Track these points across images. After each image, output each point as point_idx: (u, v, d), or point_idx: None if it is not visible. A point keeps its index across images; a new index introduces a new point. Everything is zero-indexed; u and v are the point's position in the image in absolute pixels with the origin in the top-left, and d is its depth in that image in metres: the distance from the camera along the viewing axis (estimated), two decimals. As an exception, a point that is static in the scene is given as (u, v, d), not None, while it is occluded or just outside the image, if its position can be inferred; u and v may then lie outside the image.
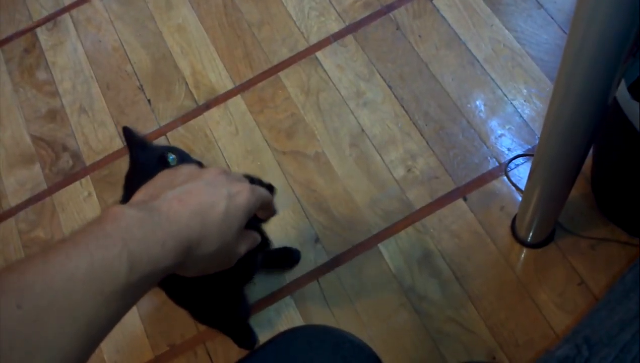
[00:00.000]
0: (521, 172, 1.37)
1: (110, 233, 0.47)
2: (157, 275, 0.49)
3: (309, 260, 1.35)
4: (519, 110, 1.43)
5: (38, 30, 1.80)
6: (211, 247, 0.54)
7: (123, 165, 1.54)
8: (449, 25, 1.56)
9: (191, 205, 0.53)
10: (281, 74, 1.58)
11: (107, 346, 1.35)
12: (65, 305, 0.42)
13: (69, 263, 0.44)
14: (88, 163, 1.58)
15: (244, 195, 0.58)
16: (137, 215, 0.49)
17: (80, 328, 0.42)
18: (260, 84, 1.58)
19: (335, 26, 1.62)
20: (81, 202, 1.53)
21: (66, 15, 1.80)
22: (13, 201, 1.57)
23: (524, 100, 1.44)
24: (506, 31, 1.52)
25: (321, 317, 1.30)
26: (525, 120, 1.42)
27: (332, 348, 0.69)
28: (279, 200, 1.39)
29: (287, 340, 0.71)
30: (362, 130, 1.47)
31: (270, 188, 0.77)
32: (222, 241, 0.55)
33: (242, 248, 0.61)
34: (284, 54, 1.61)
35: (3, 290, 0.41)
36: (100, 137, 1.60)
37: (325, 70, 1.56)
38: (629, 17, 0.62)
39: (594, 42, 0.66)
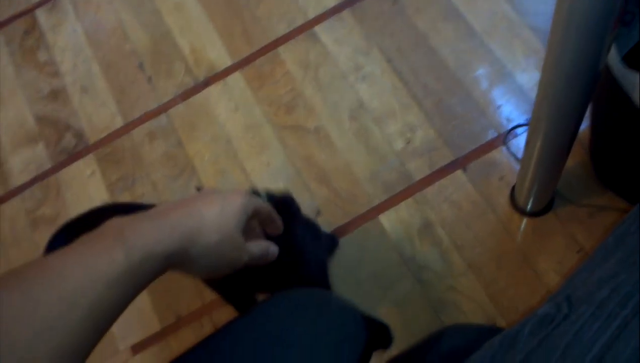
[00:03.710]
0: (520, 142, 1.38)
1: (104, 232, 0.50)
2: (159, 260, 0.51)
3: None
4: (518, 80, 1.44)
5: (37, 11, 1.81)
6: (213, 236, 0.56)
7: (126, 142, 1.56)
8: (447, -3, 1.56)
9: (187, 208, 0.57)
10: (280, 49, 1.59)
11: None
12: (65, 291, 0.44)
13: (65, 256, 0.46)
14: (91, 141, 1.59)
15: (237, 197, 0.61)
16: (131, 217, 0.53)
17: (83, 312, 0.44)
18: (259, 60, 1.59)
19: (332, 0, 1.62)
20: (85, 180, 1.55)
21: (65, -4, 1.81)
22: (19, 180, 1.59)
23: (523, 71, 1.44)
24: (504, 3, 1.52)
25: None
26: (524, 91, 1.42)
27: (319, 309, 0.71)
28: (281, 175, 1.41)
29: (278, 301, 0.73)
30: (361, 103, 1.48)
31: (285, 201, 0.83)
32: (221, 233, 0.57)
33: (253, 249, 0.63)
34: (282, 29, 1.61)
35: (7, 279, 0.43)
36: (102, 116, 1.62)
37: (323, 45, 1.57)
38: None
39: (583, 7, 0.67)
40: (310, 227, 1.06)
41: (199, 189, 0.85)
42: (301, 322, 0.69)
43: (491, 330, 0.99)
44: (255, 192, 0.84)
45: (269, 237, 0.71)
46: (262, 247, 0.66)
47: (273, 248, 0.68)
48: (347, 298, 0.75)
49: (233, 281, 1.08)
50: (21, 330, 0.40)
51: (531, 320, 0.53)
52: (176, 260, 0.53)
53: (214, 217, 0.57)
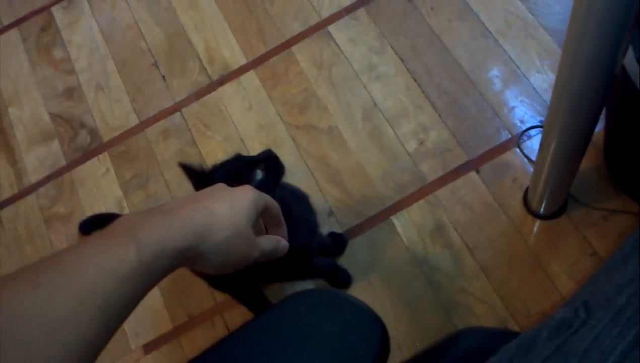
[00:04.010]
0: (534, 144, 1.37)
1: (115, 229, 0.50)
2: (170, 256, 0.51)
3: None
4: (532, 81, 1.43)
5: (53, 8, 1.82)
6: (223, 232, 0.56)
7: (140, 140, 1.57)
8: (462, -3, 1.55)
9: (196, 204, 0.57)
10: (294, 48, 1.59)
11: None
12: (78, 286, 0.44)
13: (77, 252, 0.47)
14: (105, 139, 1.60)
15: (248, 192, 0.61)
16: (142, 213, 0.53)
17: (96, 308, 0.44)
18: (273, 59, 1.59)
19: (347, 0, 1.62)
20: (99, 177, 1.56)
21: (81, -7, 1.82)
22: (34, 177, 1.60)
23: (537, 72, 1.44)
24: (519, 2, 1.52)
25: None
26: (537, 92, 1.42)
27: (334, 310, 0.71)
28: (293, 175, 1.41)
29: (292, 303, 0.73)
30: (375, 103, 1.48)
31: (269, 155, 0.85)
32: (232, 228, 0.57)
33: (264, 245, 0.63)
34: (297, 28, 1.62)
35: (20, 276, 0.44)
36: (116, 114, 1.63)
37: (337, 44, 1.57)
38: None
39: (600, 9, 0.67)
40: (295, 190, 1.07)
41: (185, 167, 0.86)
42: (317, 322, 0.69)
43: (506, 334, 0.99)
44: (239, 156, 0.86)
45: None
46: (273, 242, 0.66)
47: (284, 243, 0.68)
48: (373, 309, 0.75)
49: (237, 278, 1.10)
50: (36, 325, 0.41)
51: (548, 324, 0.53)
52: (187, 257, 0.53)
53: (224, 213, 0.57)
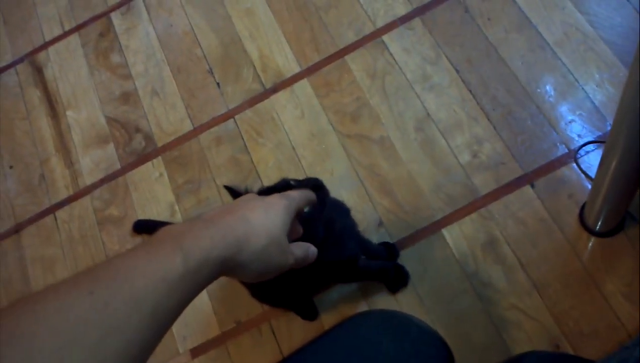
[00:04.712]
0: (591, 159, 1.34)
1: (161, 238, 0.52)
2: (212, 265, 0.53)
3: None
4: (590, 95, 1.40)
5: (112, 14, 1.86)
6: (260, 241, 0.58)
7: (193, 146, 1.59)
8: (519, 7, 1.53)
9: (234, 214, 0.59)
10: (347, 57, 1.59)
11: (176, 321, 1.39)
12: (131, 292, 0.45)
13: (129, 260, 0.48)
14: (159, 144, 1.63)
15: (279, 200, 0.64)
16: (186, 223, 0.55)
17: (147, 313, 0.46)
18: (326, 68, 1.59)
19: (402, 9, 1.61)
20: (153, 182, 1.58)
21: (139, 0, 1.85)
22: (89, 180, 1.64)
23: (596, 85, 1.40)
24: (578, 14, 1.48)
25: (384, 301, 1.31)
26: (596, 106, 1.38)
27: (400, 333, 0.71)
28: (343, 184, 1.41)
29: (356, 324, 0.73)
30: (428, 114, 1.47)
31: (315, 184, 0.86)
32: (269, 237, 0.59)
33: (297, 252, 0.64)
34: (351, 37, 1.61)
35: (77, 282, 0.45)
36: (171, 119, 1.65)
37: (391, 54, 1.56)
38: None
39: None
40: (337, 203, 1.08)
41: (230, 190, 0.88)
42: (383, 344, 0.69)
43: (571, 359, 0.96)
44: (286, 182, 0.87)
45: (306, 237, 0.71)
46: (303, 249, 0.67)
47: (313, 249, 0.68)
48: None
49: (284, 289, 1.11)
50: (90, 331, 0.42)
51: (629, 360, 0.51)
52: (228, 266, 0.55)
53: (259, 222, 0.59)
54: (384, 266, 1.29)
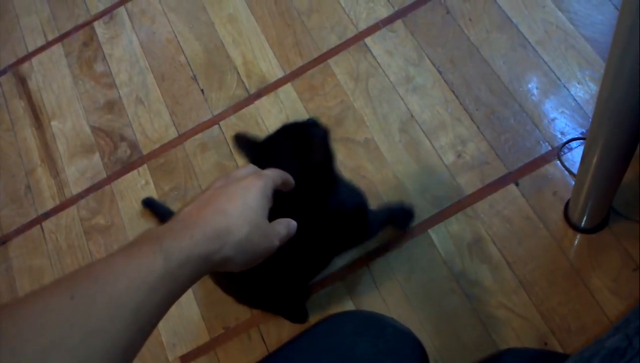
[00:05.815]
0: (575, 156, 1.35)
1: (141, 240, 0.52)
2: (196, 263, 0.52)
3: (359, 245, 1.36)
4: (573, 93, 1.41)
5: (95, 23, 1.86)
6: (242, 230, 0.57)
7: (179, 153, 1.59)
8: (500, 7, 1.54)
9: (211, 207, 0.58)
10: (330, 61, 1.59)
11: (164, 328, 1.39)
12: (112, 294, 0.46)
13: (109, 263, 0.49)
14: (145, 152, 1.63)
15: (254, 182, 0.62)
16: (165, 225, 0.56)
17: (129, 315, 0.46)
18: (310, 72, 1.60)
19: (384, 12, 1.62)
20: (139, 190, 1.58)
21: (122, 9, 1.85)
22: (75, 189, 1.63)
23: (578, 83, 1.41)
24: (559, 12, 1.49)
25: (371, 301, 1.32)
26: (579, 103, 1.39)
27: (375, 333, 0.71)
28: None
29: (332, 324, 0.73)
30: (412, 115, 1.47)
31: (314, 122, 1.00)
32: (250, 223, 0.58)
33: (280, 230, 0.63)
34: (333, 41, 1.62)
35: (58, 286, 0.45)
36: (156, 127, 1.65)
37: (374, 56, 1.57)
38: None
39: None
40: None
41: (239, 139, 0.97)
42: (357, 344, 0.70)
43: (549, 355, 0.97)
44: (313, 121, 1.01)
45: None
46: (284, 224, 0.65)
47: (293, 223, 0.67)
48: (410, 322, 0.75)
49: (278, 278, 1.11)
50: (72, 334, 0.42)
51: (600, 352, 0.51)
52: (213, 261, 0.55)
53: (238, 211, 0.58)
54: (390, 208, 1.35)
